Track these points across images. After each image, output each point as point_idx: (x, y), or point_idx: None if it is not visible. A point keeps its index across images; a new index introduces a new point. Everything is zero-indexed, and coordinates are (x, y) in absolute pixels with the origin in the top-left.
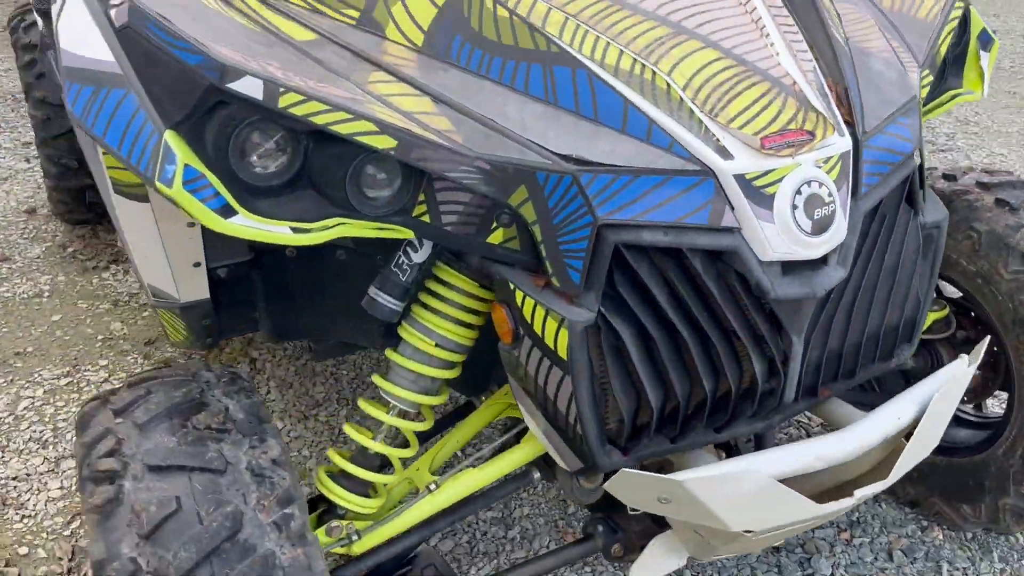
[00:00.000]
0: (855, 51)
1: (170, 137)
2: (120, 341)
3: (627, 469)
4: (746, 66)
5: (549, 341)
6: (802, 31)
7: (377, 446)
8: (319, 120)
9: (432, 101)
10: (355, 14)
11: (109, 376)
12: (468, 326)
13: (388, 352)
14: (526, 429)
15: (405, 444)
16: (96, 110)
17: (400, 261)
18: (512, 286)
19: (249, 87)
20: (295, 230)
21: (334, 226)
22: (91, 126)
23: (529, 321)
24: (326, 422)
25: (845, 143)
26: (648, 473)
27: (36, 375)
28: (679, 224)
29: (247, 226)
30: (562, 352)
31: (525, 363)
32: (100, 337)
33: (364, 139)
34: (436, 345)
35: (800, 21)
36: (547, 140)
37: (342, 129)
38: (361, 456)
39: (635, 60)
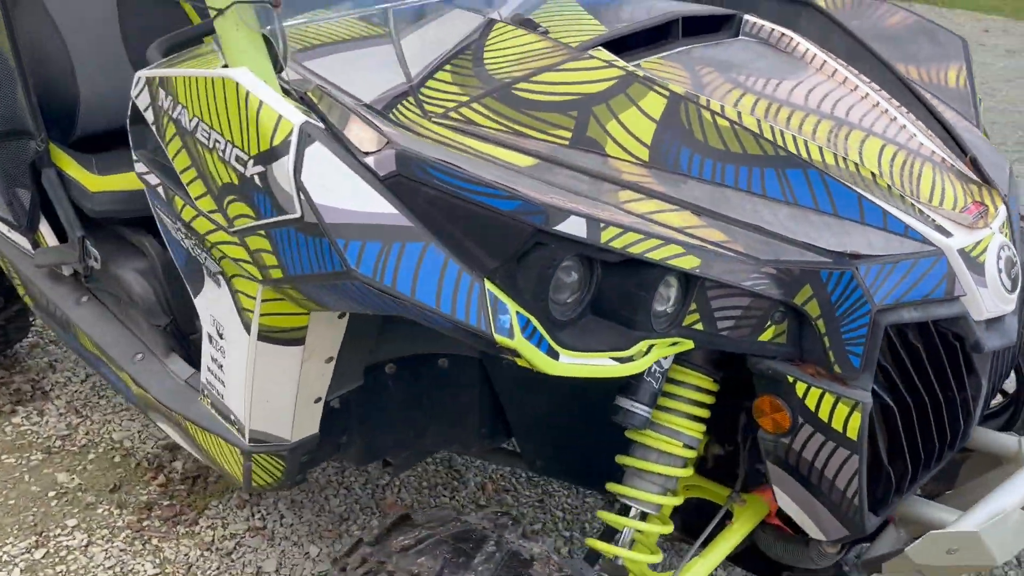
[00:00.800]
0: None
1: (489, 286)
2: (78, 494)
3: (933, 531)
4: (905, 149)
5: (837, 425)
6: (911, 111)
7: (629, 554)
8: (636, 250)
9: (692, 214)
10: (567, 134)
11: (89, 537)
12: (700, 420)
13: (624, 459)
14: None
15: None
16: (393, 268)
17: (653, 369)
18: (792, 379)
19: (574, 227)
20: (618, 360)
21: (648, 350)
22: (393, 284)
23: (813, 409)
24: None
25: (1003, 207)
26: (950, 531)
27: (1, 554)
28: (926, 300)
29: (576, 364)
30: (852, 434)
31: (800, 448)
32: (51, 494)
33: (674, 262)
34: (684, 445)
35: (902, 103)
36: (814, 239)
37: (656, 255)
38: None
39: (836, 154)
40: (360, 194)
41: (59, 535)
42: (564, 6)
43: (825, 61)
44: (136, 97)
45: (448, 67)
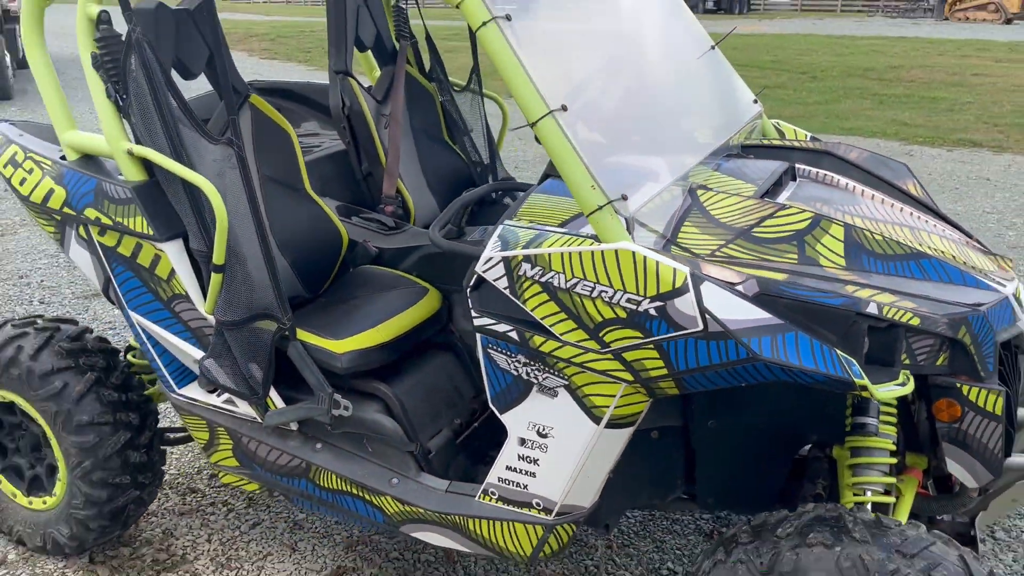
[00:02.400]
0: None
1: (838, 351)
2: None
3: None
4: (950, 239)
5: (990, 408)
6: (927, 214)
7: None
8: (896, 316)
9: (890, 294)
10: (795, 257)
11: None
12: (893, 426)
13: (856, 459)
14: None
15: None
16: (782, 349)
17: None
18: (959, 385)
19: (872, 308)
20: (901, 385)
21: (907, 378)
22: (785, 359)
23: (975, 400)
24: None
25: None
26: None
27: None
28: (1006, 327)
29: (890, 391)
30: (998, 411)
31: (967, 428)
32: None
33: (910, 322)
34: (892, 442)
35: (918, 207)
36: (960, 299)
37: (903, 319)
38: None
39: (931, 246)
40: (741, 309)
41: None
42: (712, 174)
43: (863, 189)
44: (485, 271)
45: (687, 223)
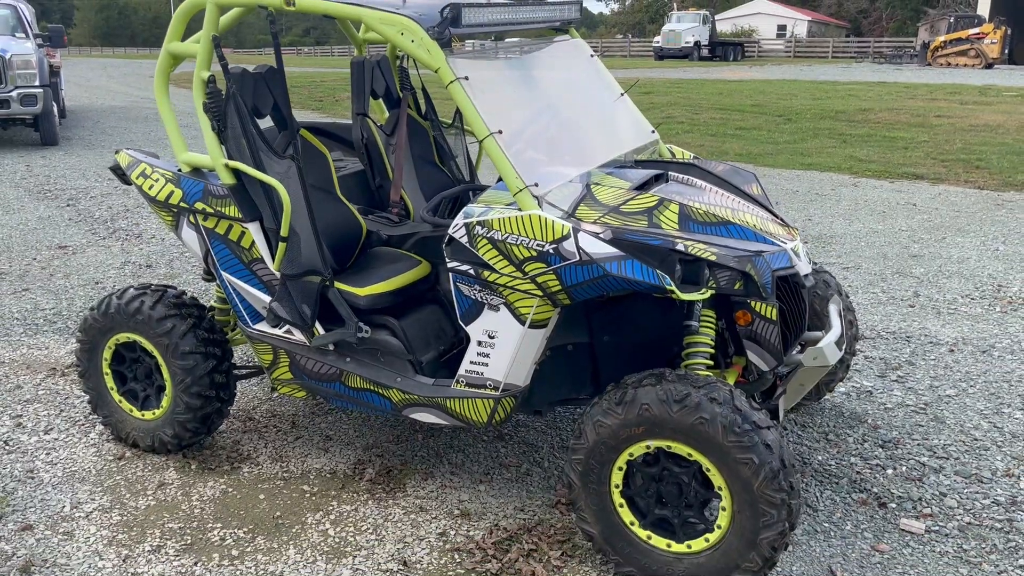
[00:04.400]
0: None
1: (657, 270)
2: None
3: (811, 347)
4: (759, 216)
5: (769, 315)
6: (751, 202)
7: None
8: (700, 253)
9: (704, 244)
10: (645, 223)
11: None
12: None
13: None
14: None
15: None
16: (624, 269)
17: (699, 303)
18: (751, 302)
19: (682, 247)
20: (702, 294)
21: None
22: (625, 274)
23: (759, 311)
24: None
25: (797, 234)
26: (817, 346)
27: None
28: (784, 268)
29: (693, 295)
30: (775, 316)
31: (757, 329)
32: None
33: (710, 257)
34: (710, 339)
35: (747, 199)
36: (749, 248)
37: (707, 256)
38: None
39: (741, 220)
40: (602, 247)
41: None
42: (604, 176)
43: (710, 187)
44: (454, 232)
45: (582, 205)
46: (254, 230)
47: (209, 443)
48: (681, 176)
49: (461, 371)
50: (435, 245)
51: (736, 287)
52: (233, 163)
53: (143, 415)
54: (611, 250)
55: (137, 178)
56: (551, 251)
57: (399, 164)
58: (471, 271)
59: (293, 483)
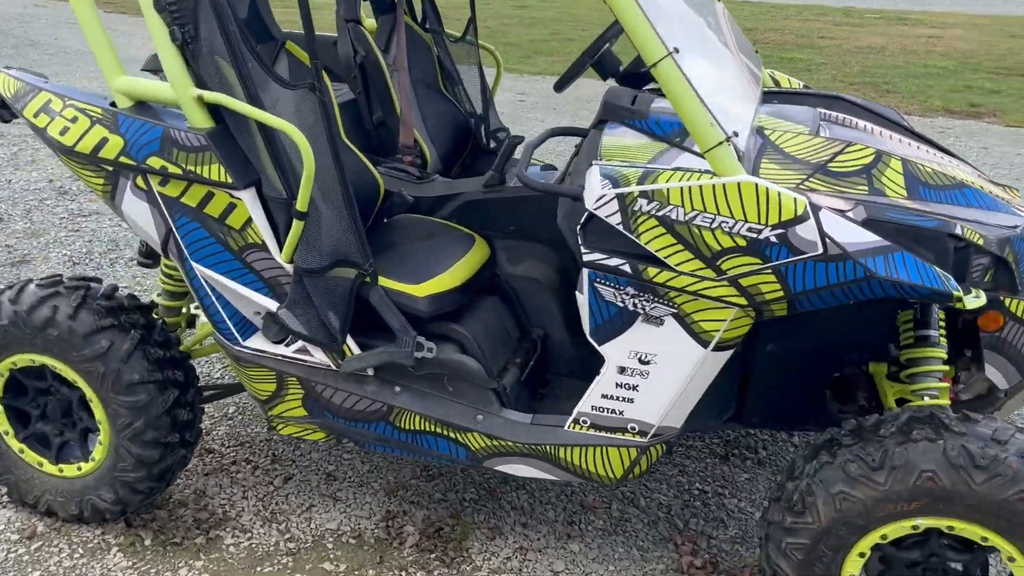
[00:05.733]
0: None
1: (937, 268)
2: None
3: None
4: (974, 173)
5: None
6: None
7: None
8: (975, 240)
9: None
10: (865, 188)
11: None
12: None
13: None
14: None
15: None
16: (893, 267)
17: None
18: (1003, 298)
19: (959, 231)
20: (976, 297)
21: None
22: (897, 276)
23: (1014, 311)
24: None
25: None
26: None
27: None
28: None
29: (977, 300)
30: None
31: (1006, 336)
32: None
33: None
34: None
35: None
36: (1006, 223)
37: (980, 242)
38: None
39: (964, 177)
40: (857, 233)
41: None
42: (762, 117)
43: (880, 130)
44: (597, 208)
45: (765, 160)
46: (250, 201)
47: (162, 498)
48: (834, 115)
49: (583, 407)
50: (487, 212)
51: (987, 279)
52: (213, 95)
53: (61, 471)
54: (870, 238)
55: (35, 115)
56: (773, 239)
57: (405, 92)
58: (624, 267)
59: (307, 559)
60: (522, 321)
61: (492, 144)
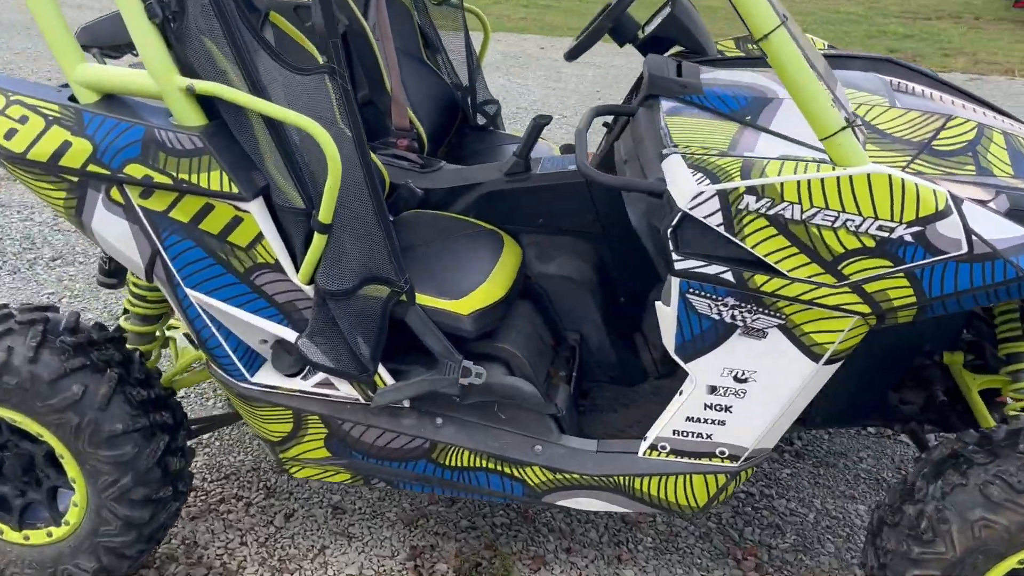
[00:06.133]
0: None
1: None
2: None
3: None
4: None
5: None
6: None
7: None
8: None
9: None
10: (972, 169)
11: None
12: None
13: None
14: None
15: None
16: None
17: None
18: None
19: None
20: None
21: None
22: None
23: None
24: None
25: None
26: None
27: None
28: None
29: None
30: None
31: None
32: None
33: None
34: None
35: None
36: None
37: None
38: None
39: None
40: (1007, 228)
41: None
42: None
43: (941, 95)
44: (692, 208)
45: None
46: (259, 213)
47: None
48: (900, 81)
49: (662, 432)
50: (512, 204)
51: None
52: (207, 85)
53: (27, 538)
54: (1019, 232)
55: None
56: (908, 238)
57: (393, 65)
58: (725, 275)
59: None
60: (556, 326)
61: (481, 120)
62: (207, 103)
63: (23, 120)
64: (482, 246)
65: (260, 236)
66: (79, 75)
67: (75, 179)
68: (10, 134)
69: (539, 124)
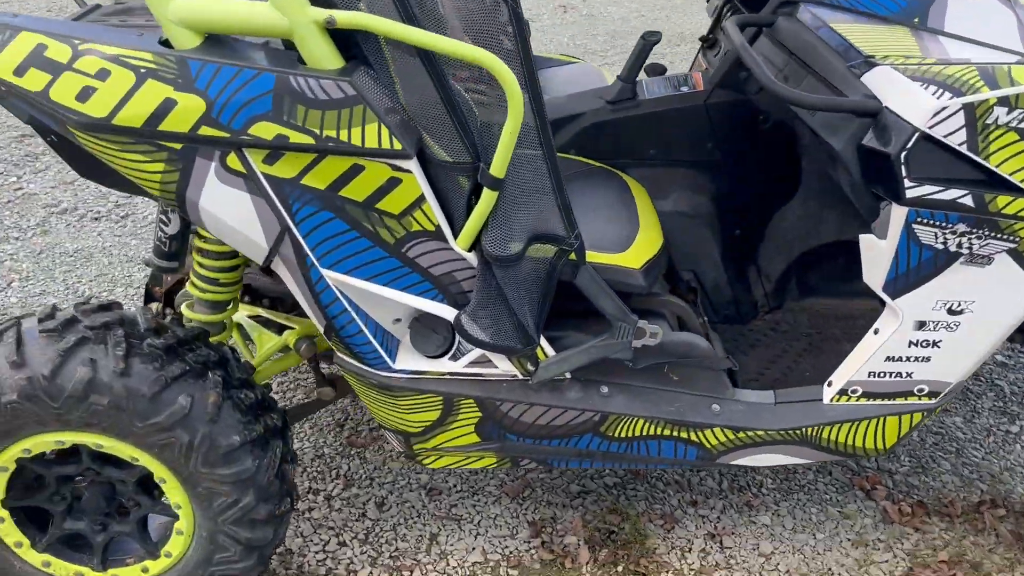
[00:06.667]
0: None
1: None
2: None
3: None
4: None
5: None
6: None
7: None
8: None
9: None
10: None
11: None
12: None
13: None
14: None
15: None
16: None
17: None
18: None
19: None
20: None
21: None
22: None
23: None
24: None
25: None
26: None
27: None
28: None
29: None
30: None
31: None
32: None
33: None
34: None
35: None
36: None
37: None
38: None
39: None
40: None
41: None
42: None
43: None
44: (932, 127)
45: None
46: (418, 172)
47: None
48: None
49: (854, 375)
50: (620, 134)
51: None
52: (348, 15)
53: None
54: None
55: (17, 73)
56: None
57: None
58: (963, 199)
59: None
60: (672, 268)
61: None
62: (342, 41)
63: (102, 75)
64: (607, 188)
65: (420, 200)
66: (176, 10)
67: (179, 146)
68: (85, 94)
69: (650, 42)
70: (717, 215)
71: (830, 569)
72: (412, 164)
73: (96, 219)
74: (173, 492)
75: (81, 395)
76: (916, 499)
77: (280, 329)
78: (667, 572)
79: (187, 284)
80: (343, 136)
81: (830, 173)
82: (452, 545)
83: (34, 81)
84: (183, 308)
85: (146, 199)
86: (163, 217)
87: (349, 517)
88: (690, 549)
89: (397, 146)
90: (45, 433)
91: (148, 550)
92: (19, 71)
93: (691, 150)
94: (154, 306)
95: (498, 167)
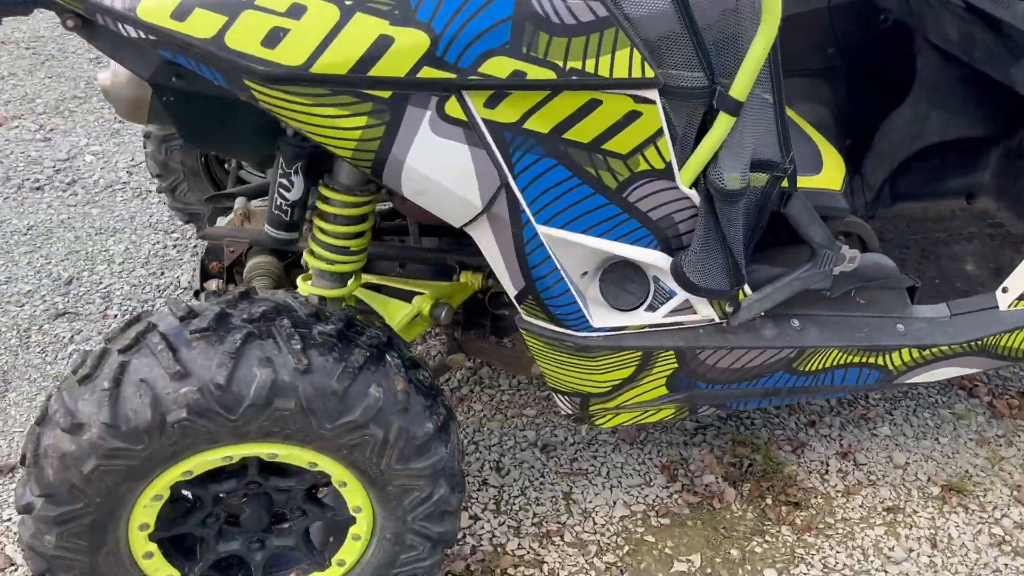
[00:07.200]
0: None
1: None
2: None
3: None
4: None
5: None
6: None
7: None
8: None
9: None
10: None
11: None
12: None
13: None
14: None
15: None
16: None
17: None
18: None
19: None
20: None
21: None
22: None
23: None
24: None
25: None
26: None
27: None
28: None
29: None
30: None
31: None
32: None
33: None
34: None
35: None
36: None
37: None
38: None
39: None
40: None
41: None
42: None
43: None
44: None
45: None
46: (660, 104)
47: None
48: None
49: None
50: None
51: None
52: None
53: None
54: None
55: (177, 16)
56: None
57: None
58: None
59: (643, 568)
60: None
61: None
62: None
63: (295, 12)
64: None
65: (657, 134)
66: None
67: (388, 94)
68: (274, 38)
69: None
70: (833, 125)
71: (967, 471)
72: (655, 94)
73: (37, 188)
74: (354, 495)
75: (264, 402)
76: (1016, 390)
77: (406, 296)
78: (816, 497)
79: (305, 255)
80: (589, 67)
81: (943, 71)
82: (590, 502)
83: (202, 26)
84: (299, 282)
85: (88, 163)
86: (283, 181)
87: (471, 487)
88: (827, 471)
89: (649, 74)
90: (213, 449)
91: (316, 560)
92: (179, 14)
93: (811, 58)
94: (214, 283)
95: (741, 89)
